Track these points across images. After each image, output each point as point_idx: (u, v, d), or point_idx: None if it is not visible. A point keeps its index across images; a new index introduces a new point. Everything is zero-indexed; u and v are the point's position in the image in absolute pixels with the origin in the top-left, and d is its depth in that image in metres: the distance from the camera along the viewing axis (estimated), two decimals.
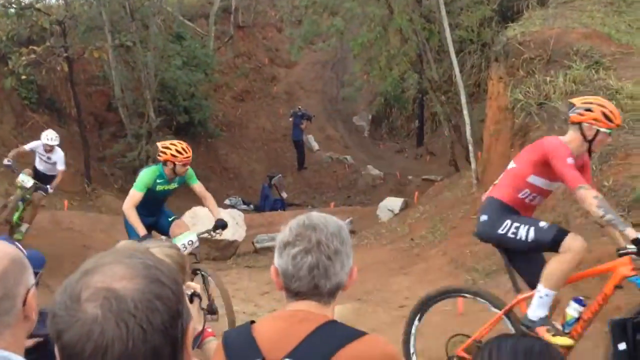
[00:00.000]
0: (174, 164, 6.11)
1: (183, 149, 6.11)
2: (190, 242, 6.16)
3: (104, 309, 0.99)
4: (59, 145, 9.46)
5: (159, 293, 1.04)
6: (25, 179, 9.10)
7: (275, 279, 1.84)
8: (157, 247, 2.00)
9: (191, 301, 2.23)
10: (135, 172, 17.54)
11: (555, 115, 8.17)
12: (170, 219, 6.64)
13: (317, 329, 1.73)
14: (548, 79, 8.77)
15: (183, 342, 1.09)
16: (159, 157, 6.20)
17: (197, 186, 6.64)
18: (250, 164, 19.18)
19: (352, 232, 11.77)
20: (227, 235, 9.92)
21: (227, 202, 16.24)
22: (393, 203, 12.57)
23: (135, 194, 6.15)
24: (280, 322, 1.81)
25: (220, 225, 6.41)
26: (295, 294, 1.80)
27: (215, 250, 10.16)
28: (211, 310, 5.67)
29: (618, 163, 7.00)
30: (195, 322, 2.24)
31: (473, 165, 10.46)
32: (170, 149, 6.10)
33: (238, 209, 14.12)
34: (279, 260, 1.80)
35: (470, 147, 10.67)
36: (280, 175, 17.60)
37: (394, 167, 18.80)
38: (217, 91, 21.14)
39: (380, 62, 14.82)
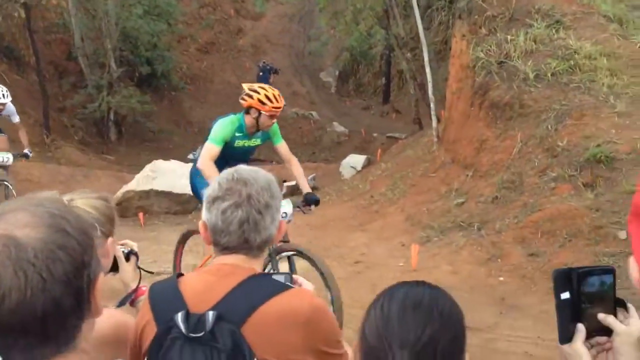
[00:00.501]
0: (259, 113, 4.90)
1: (274, 96, 4.93)
2: (284, 214, 4.77)
3: (3, 256, 0.97)
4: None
5: (63, 243, 1.02)
6: (4, 156, 7.63)
7: (204, 234, 1.83)
8: (83, 198, 1.94)
9: (127, 259, 2.20)
10: (96, 124, 17.44)
11: (515, 74, 8.21)
12: None
13: (243, 282, 1.72)
14: (509, 37, 8.77)
15: (89, 293, 1.07)
16: (242, 102, 4.98)
17: (282, 147, 5.33)
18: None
19: (315, 188, 11.81)
20: (189, 189, 9.84)
21: (190, 156, 15.95)
22: (356, 160, 12.61)
23: (212, 148, 4.88)
24: (207, 275, 1.80)
25: (312, 200, 5.05)
26: (224, 248, 1.79)
27: (176, 204, 10.11)
28: None
29: (573, 123, 7.09)
30: (130, 279, 2.22)
31: (434, 124, 10.50)
32: (258, 93, 4.90)
33: None
34: (208, 215, 1.78)
35: (432, 106, 10.69)
36: None
37: (359, 124, 18.79)
38: (181, 42, 20.71)
39: (346, 17, 14.65)
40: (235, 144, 5.01)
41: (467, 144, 8.77)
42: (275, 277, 1.87)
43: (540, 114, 7.53)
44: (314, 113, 20.06)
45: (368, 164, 12.36)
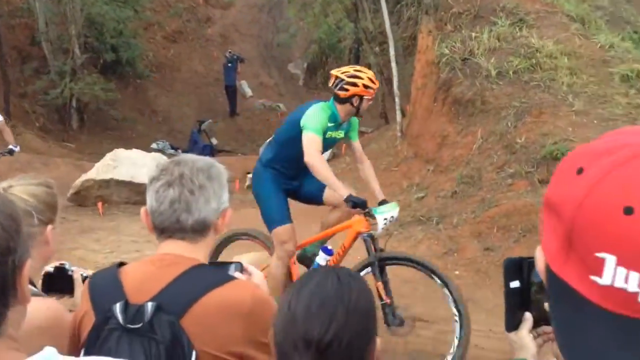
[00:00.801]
0: (360, 100, 4.30)
1: (374, 78, 4.37)
2: (392, 218, 4.31)
3: None
4: None
5: None
6: None
7: (145, 220, 1.81)
8: (22, 185, 1.90)
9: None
10: (58, 111, 17.10)
11: (478, 71, 8.31)
12: (321, 184, 4.50)
13: (185, 273, 1.70)
14: (474, 34, 8.88)
15: (15, 280, 1.05)
16: (342, 93, 4.28)
17: (357, 145, 4.72)
18: (180, 107, 18.77)
19: None
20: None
21: (154, 145, 15.90)
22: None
23: (316, 139, 4.16)
24: (149, 265, 1.77)
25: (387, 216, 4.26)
26: (161, 231, 1.76)
27: (136, 194, 9.97)
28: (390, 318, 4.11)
29: (532, 121, 7.21)
30: None
31: (398, 118, 10.57)
32: (360, 78, 4.26)
33: (165, 154, 13.86)
34: (147, 198, 1.76)
35: (397, 100, 10.75)
36: (210, 120, 17.30)
37: None
38: (148, 30, 20.41)
39: (315, 9, 14.63)
40: (327, 135, 4.37)
41: (430, 139, 8.85)
42: (224, 267, 1.86)
43: (501, 111, 7.63)
44: (281, 105, 19.97)
45: (333, 157, 12.36)
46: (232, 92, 19.04)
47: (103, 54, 17.37)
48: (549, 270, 0.70)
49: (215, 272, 1.78)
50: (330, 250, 4.57)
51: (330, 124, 4.33)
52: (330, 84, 4.36)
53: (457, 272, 5.80)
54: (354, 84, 4.24)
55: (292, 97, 21.15)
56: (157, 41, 20.71)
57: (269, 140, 4.77)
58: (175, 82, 19.85)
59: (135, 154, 10.64)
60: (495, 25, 8.88)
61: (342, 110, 4.33)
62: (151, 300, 1.66)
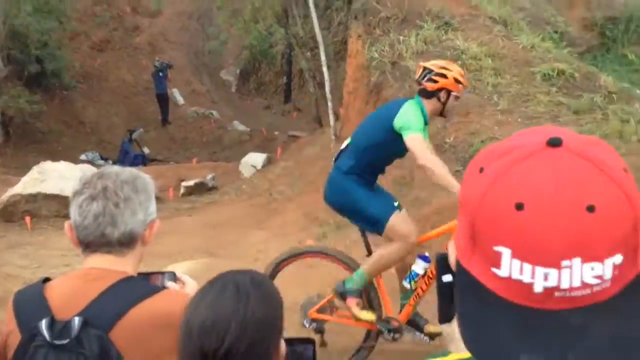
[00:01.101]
0: (448, 96, 3.96)
1: (463, 75, 4.07)
2: None
3: None
4: None
5: None
6: None
7: (70, 235, 1.76)
8: None
9: None
10: None
11: (407, 74, 8.47)
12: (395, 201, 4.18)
13: (112, 286, 1.67)
14: (402, 38, 9.05)
15: None
16: (430, 84, 3.95)
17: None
18: (109, 117, 18.32)
19: (214, 188, 11.68)
20: None
21: (82, 157, 15.47)
22: (256, 159, 12.58)
23: (422, 139, 3.82)
24: (75, 280, 1.73)
25: None
26: (86, 246, 1.73)
27: (65, 207, 9.65)
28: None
29: (460, 121, 7.41)
30: None
31: (332, 122, 10.67)
32: (451, 71, 3.96)
33: (95, 165, 13.50)
34: (71, 213, 1.72)
35: (330, 104, 10.85)
36: (141, 129, 16.98)
37: (261, 123, 18.75)
38: (74, 40, 19.84)
39: (245, 15, 14.58)
40: None
41: None
42: (156, 276, 1.83)
43: None
44: (214, 112, 19.81)
45: (268, 162, 12.36)
46: (163, 100, 18.74)
47: (27, 66, 16.79)
48: (458, 265, 0.74)
49: (144, 284, 1.75)
50: (428, 257, 4.19)
51: None
52: (417, 76, 4.06)
53: (392, 271, 5.86)
54: (444, 76, 3.93)
55: (225, 104, 21.02)
56: (83, 51, 20.17)
57: (343, 147, 4.32)
58: (103, 92, 19.37)
59: (63, 166, 10.33)
60: (421, 29, 9.09)
61: (428, 106, 3.97)
62: (78, 315, 1.62)
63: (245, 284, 1.40)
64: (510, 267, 0.64)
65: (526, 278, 0.63)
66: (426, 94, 3.97)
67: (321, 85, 13.86)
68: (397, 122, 3.86)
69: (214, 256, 7.23)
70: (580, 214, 0.62)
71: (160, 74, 18.40)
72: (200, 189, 11.47)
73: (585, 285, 0.63)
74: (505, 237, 0.64)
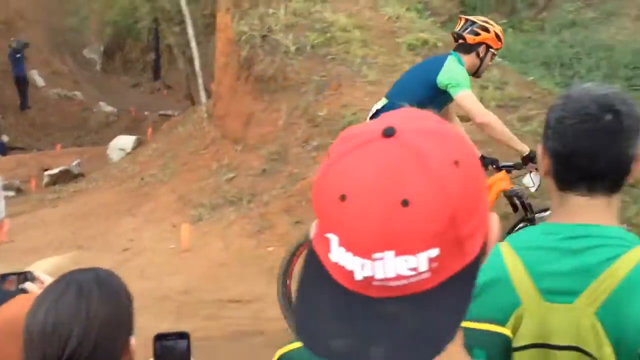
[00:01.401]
0: (486, 52, 3.94)
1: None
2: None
3: None
4: None
5: None
6: None
7: None
8: None
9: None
10: None
11: (277, 47, 8.33)
12: None
13: None
14: (270, 11, 8.87)
15: None
16: (471, 37, 3.91)
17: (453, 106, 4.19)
18: None
19: (80, 175, 11.03)
20: None
21: None
22: (125, 142, 12.00)
23: (474, 96, 3.84)
24: None
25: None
26: None
27: None
28: None
29: (331, 93, 7.39)
30: None
31: (203, 99, 10.35)
32: (493, 26, 3.96)
33: None
34: None
35: (200, 80, 10.54)
36: None
37: (129, 103, 17.96)
38: None
39: None
40: None
41: (236, 119, 8.75)
42: (10, 280, 1.68)
43: (302, 86, 7.73)
44: (78, 93, 18.72)
45: (138, 144, 11.83)
46: (22, 83, 17.36)
47: None
48: (309, 243, 0.74)
49: None
50: None
51: None
52: (457, 28, 4.00)
53: (270, 249, 5.79)
54: (486, 29, 3.92)
55: (90, 84, 19.94)
56: None
57: (379, 107, 4.15)
58: None
59: None
60: (290, 1, 8.95)
61: (467, 62, 3.91)
62: None
63: (89, 283, 1.33)
64: (337, 253, 0.65)
65: (348, 266, 0.65)
66: (465, 49, 3.94)
67: (191, 61, 13.45)
68: (443, 78, 3.78)
69: (83, 248, 6.83)
70: (394, 208, 0.63)
71: (18, 55, 17.07)
72: (66, 177, 10.82)
73: (399, 276, 0.64)
74: (332, 225, 0.66)
